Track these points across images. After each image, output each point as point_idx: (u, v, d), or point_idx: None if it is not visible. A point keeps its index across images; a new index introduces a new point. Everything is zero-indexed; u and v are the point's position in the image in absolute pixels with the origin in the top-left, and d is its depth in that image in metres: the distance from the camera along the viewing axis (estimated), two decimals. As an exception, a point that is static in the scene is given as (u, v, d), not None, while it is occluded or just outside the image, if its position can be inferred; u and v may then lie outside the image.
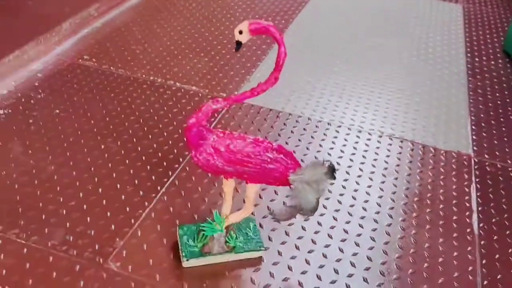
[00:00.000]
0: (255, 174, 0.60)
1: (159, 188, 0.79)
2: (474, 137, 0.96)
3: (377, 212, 0.77)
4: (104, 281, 0.64)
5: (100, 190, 0.77)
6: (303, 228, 0.73)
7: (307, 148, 0.89)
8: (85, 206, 0.75)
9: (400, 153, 0.90)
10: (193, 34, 1.24)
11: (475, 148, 0.93)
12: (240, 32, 0.56)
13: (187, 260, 0.66)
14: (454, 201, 0.81)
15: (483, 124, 1.00)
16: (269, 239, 0.71)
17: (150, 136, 0.89)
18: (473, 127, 0.99)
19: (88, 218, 0.73)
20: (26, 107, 0.95)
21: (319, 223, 0.74)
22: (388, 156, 0.89)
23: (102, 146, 0.86)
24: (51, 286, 0.63)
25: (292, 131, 0.93)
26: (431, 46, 1.27)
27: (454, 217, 0.78)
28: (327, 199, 0.79)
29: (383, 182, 0.83)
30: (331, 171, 0.58)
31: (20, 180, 0.78)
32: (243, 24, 0.56)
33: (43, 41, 1.09)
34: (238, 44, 0.57)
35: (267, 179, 0.60)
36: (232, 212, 0.66)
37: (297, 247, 0.71)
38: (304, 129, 0.94)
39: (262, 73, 1.10)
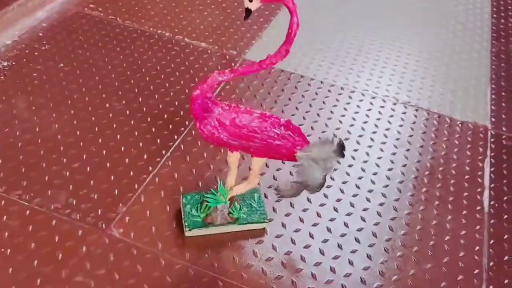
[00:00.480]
0: (261, 149, 0.58)
1: (163, 152, 0.77)
2: (492, 107, 0.92)
3: (386, 186, 0.75)
4: (107, 247, 0.64)
5: (104, 152, 0.76)
6: (309, 200, 0.72)
7: (318, 115, 0.86)
8: (88, 169, 0.74)
9: (414, 122, 0.87)
10: (205, -16, 1.18)
11: (493, 119, 0.89)
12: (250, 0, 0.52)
13: (189, 230, 0.65)
14: (466, 176, 0.78)
15: (503, 94, 0.95)
16: (274, 210, 0.70)
17: (156, 96, 0.87)
18: (493, 95, 0.94)
19: (92, 182, 0.72)
20: (30, 59, 0.92)
21: (325, 195, 0.73)
22: (401, 125, 0.86)
23: (107, 105, 0.84)
24: (54, 250, 0.63)
25: (303, 95, 0.90)
26: (454, 4, 1.20)
27: (465, 193, 0.76)
28: (335, 170, 0.76)
29: (394, 154, 0.81)
30: (340, 149, 0.56)
31: (23, 138, 0.77)
32: None
33: (47, -12, 1.05)
34: (248, 11, 0.54)
35: (273, 154, 0.58)
36: (237, 182, 0.65)
37: (301, 220, 0.70)
38: (316, 93, 0.91)
39: (275, 30, 1.05)
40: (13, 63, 0.90)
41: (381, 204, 0.73)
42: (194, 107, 0.58)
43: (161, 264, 0.63)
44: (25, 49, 0.94)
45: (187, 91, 0.88)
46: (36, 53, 0.93)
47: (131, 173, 0.73)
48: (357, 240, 0.68)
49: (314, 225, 0.69)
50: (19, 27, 0.98)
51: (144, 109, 0.84)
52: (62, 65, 0.91)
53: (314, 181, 0.57)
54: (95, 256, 0.63)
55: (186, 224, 0.65)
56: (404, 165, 0.79)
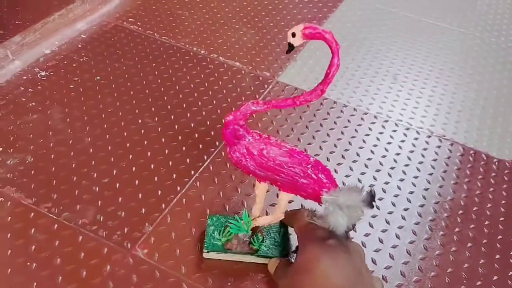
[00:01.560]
0: (287, 184, 0.57)
1: (192, 172, 0.77)
2: (532, 145, 0.89)
3: (417, 223, 0.73)
4: (130, 268, 0.64)
5: (133, 168, 0.76)
6: (336, 233, 0.71)
7: (350, 143, 0.85)
8: (117, 185, 0.74)
9: (448, 157, 0.84)
10: (242, 1, 1.19)
11: (531, 159, 0.86)
12: (293, 35, 0.52)
13: (207, 251, 0.65)
14: (501, 218, 0.76)
15: (544, 132, 0.92)
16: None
17: (188, 114, 0.87)
18: (532, 133, 0.91)
19: (120, 199, 0.72)
20: (68, 70, 0.93)
21: (354, 229, 0.71)
22: (435, 160, 0.84)
23: (139, 121, 0.84)
24: (78, 268, 0.63)
25: (335, 122, 0.89)
26: (496, 29, 1.17)
27: (499, 236, 0.73)
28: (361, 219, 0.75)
29: (426, 189, 0.78)
30: (370, 199, 0.53)
31: (56, 150, 0.78)
32: (297, 27, 0.51)
33: (89, 0, 1.07)
34: (290, 46, 0.53)
35: (299, 191, 0.57)
36: (264, 213, 0.64)
37: (328, 253, 0.68)
38: (348, 120, 0.90)
39: (310, 53, 1.04)
40: (51, 73, 0.92)
41: (411, 242, 0.71)
42: (226, 132, 0.58)
43: (183, 289, 0.62)
44: (63, 59, 0.95)
45: (219, 111, 0.88)
46: (74, 64, 0.95)
47: (159, 192, 0.73)
48: (384, 278, 0.66)
49: (341, 259, 0.68)
50: (59, 37, 1.00)
51: (176, 127, 0.84)
52: (99, 77, 0.92)
53: (337, 227, 0.53)
54: (118, 276, 0.63)
55: (205, 245, 0.65)
56: (437, 202, 0.77)
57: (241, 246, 0.64)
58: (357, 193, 0.53)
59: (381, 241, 0.70)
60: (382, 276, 0.66)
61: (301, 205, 0.71)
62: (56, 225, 0.68)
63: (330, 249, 0.52)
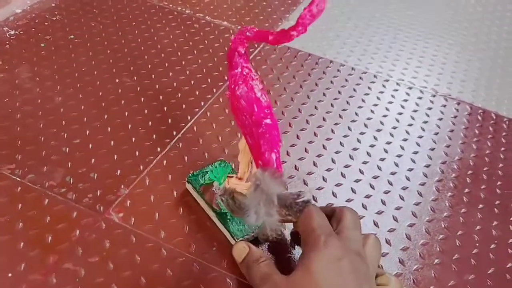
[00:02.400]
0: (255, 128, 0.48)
1: (174, 133, 0.69)
2: (544, 105, 0.82)
3: (422, 184, 0.66)
4: (103, 233, 0.56)
5: (109, 129, 0.69)
6: (334, 195, 0.63)
7: (347, 103, 0.78)
8: (90, 146, 0.66)
9: (455, 116, 0.77)
10: (231, -37, 1.11)
11: (544, 118, 0.79)
12: None
13: (187, 182, 0.59)
14: (514, 179, 0.69)
15: (556, 92, 0.85)
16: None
17: (170, 73, 0.79)
18: (544, 94, 0.84)
19: (93, 160, 0.65)
20: (39, 29, 0.85)
21: (353, 190, 0.64)
22: (440, 119, 0.77)
23: (117, 80, 0.77)
24: (43, 232, 0.56)
25: (331, 81, 0.82)
26: (501, -3, 1.10)
27: (513, 198, 0.66)
28: (365, 163, 0.68)
29: (432, 149, 0.71)
30: (297, 208, 0.45)
31: (23, 110, 0.70)
32: None
33: (63, -42, 0.99)
34: None
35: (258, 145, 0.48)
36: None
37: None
38: (346, 80, 0.82)
39: (303, 12, 0.96)
40: (21, 32, 0.84)
41: (417, 204, 0.64)
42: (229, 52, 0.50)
43: (162, 256, 0.55)
44: (35, 18, 0.88)
45: (204, 70, 0.81)
46: (46, 23, 0.87)
47: (137, 153, 0.66)
48: (388, 242, 0.59)
49: (339, 222, 0.60)
50: (30, -4, 0.92)
51: (157, 86, 0.77)
52: (72, 36, 0.84)
53: (248, 218, 0.45)
54: (89, 241, 0.56)
55: (189, 175, 0.59)
56: (444, 162, 0.70)
57: (209, 196, 0.57)
58: (291, 195, 0.45)
59: (383, 203, 0.63)
60: (386, 239, 0.59)
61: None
62: (19, 188, 0.60)
63: (342, 275, 0.42)
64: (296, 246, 0.56)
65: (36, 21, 0.87)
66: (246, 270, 0.48)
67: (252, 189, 0.45)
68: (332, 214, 0.50)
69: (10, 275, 0.52)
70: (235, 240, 0.54)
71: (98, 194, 0.60)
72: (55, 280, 0.52)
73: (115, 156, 0.65)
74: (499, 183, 0.68)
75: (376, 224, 0.61)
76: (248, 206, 0.45)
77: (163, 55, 0.83)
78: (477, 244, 0.60)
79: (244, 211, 0.46)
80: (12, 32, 0.84)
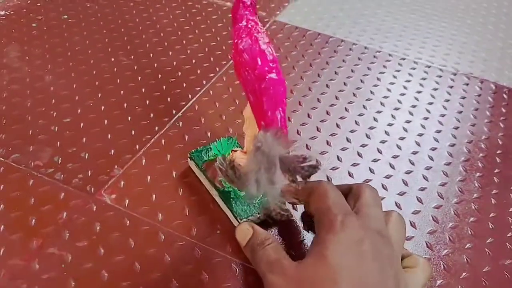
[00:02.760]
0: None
1: (174, 111, 0.63)
2: None
3: (448, 164, 0.60)
4: (93, 215, 0.50)
5: (102, 107, 0.63)
6: (350, 174, 0.57)
7: (361, 81, 0.72)
8: (81, 124, 0.61)
9: (479, 95, 0.71)
10: None
11: None
12: None
13: (189, 158, 0.54)
14: (547, 159, 0.62)
15: None
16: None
17: (170, 53, 0.74)
18: None
19: (84, 139, 0.59)
20: (31, 10, 0.80)
21: (371, 170, 0.58)
22: (463, 97, 0.70)
23: (112, 59, 0.71)
24: (26, 215, 0.50)
25: (344, 60, 0.76)
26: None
27: (547, 179, 0.60)
28: (383, 142, 0.62)
29: (456, 128, 0.65)
30: (306, 173, 0.40)
31: (10, 88, 0.65)
32: None
33: None
34: None
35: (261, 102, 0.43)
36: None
37: (341, 197, 0.55)
38: (359, 58, 0.76)
39: (311, -7, 0.91)
40: (12, 12, 0.79)
41: (443, 185, 0.57)
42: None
43: (159, 240, 0.49)
44: (27, -1, 0.83)
45: (206, 49, 0.75)
46: (38, 4, 0.82)
47: (133, 132, 0.60)
48: (413, 225, 0.52)
49: (357, 203, 0.54)
50: (23, -23, 0.87)
51: (155, 65, 0.71)
52: (66, 16, 0.79)
53: (248, 188, 0.39)
54: (77, 224, 0.49)
55: (192, 151, 0.54)
56: (470, 142, 0.63)
57: (212, 173, 0.51)
58: (296, 157, 0.39)
59: (405, 183, 0.57)
60: (410, 222, 0.52)
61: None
62: (2, 168, 0.54)
63: (363, 260, 0.36)
64: (309, 231, 0.50)
65: (28, 1, 0.82)
66: (251, 254, 0.42)
67: (253, 152, 0.38)
68: (348, 192, 0.43)
69: (-13, 260, 0.46)
70: (238, 222, 0.48)
71: (89, 174, 0.54)
72: (38, 265, 0.46)
73: (109, 136, 0.59)
74: (531, 163, 0.61)
75: (398, 206, 0.54)
76: (249, 173, 0.39)
77: (162, 34, 0.77)
78: (491, 233, 0.53)
79: (245, 181, 0.39)
80: (2, 13, 0.79)
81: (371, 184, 0.45)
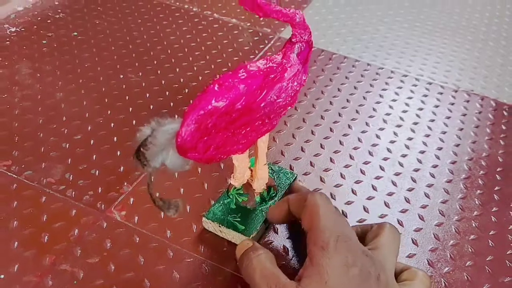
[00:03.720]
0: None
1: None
2: None
3: (449, 181, 0.61)
4: (104, 232, 0.52)
5: (112, 124, 0.65)
6: (353, 192, 0.59)
7: (364, 98, 0.73)
8: (92, 141, 0.62)
9: (480, 112, 0.73)
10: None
11: None
12: None
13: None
14: (546, 176, 0.64)
15: None
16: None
17: (177, 69, 0.76)
18: None
19: (94, 156, 0.60)
20: (42, 26, 0.82)
21: (373, 188, 0.59)
22: (464, 115, 0.72)
23: (121, 76, 0.73)
24: (39, 231, 0.51)
25: (346, 77, 0.77)
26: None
27: (546, 196, 0.61)
28: (386, 159, 0.63)
29: (457, 145, 0.67)
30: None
31: (22, 106, 0.67)
32: None
33: (68, -43, 0.96)
34: None
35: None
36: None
37: (344, 214, 0.56)
38: (361, 75, 0.78)
39: (315, 10, 0.93)
40: (22, 29, 0.81)
41: (444, 202, 0.59)
42: None
43: (168, 256, 0.50)
44: (37, 16, 0.85)
45: (212, 66, 0.77)
46: (49, 21, 0.84)
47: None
48: (415, 242, 0.54)
49: (360, 220, 0.56)
50: (33, -6, 0.89)
51: (163, 82, 0.73)
52: (76, 33, 0.81)
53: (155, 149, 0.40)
54: (88, 241, 0.51)
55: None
56: (470, 159, 0.65)
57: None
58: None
59: (407, 200, 0.58)
60: (412, 239, 0.54)
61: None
62: (15, 185, 0.56)
63: (353, 284, 0.37)
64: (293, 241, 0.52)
65: (38, 18, 0.84)
66: (245, 262, 0.42)
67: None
68: (370, 227, 0.45)
69: (2, 276, 0.47)
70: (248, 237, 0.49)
71: (100, 191, 0.56)
72: (51, 282, 0.47)
73: (118, 152, 0.61)
74: (530, 180, 0.63)
75: (400, 223, 0.56)
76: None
77: (169, 51, 0.79)
78: (512, 245, 0.54)
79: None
80: (13, 29, 0.81)
81: (373, 202, 0.46)
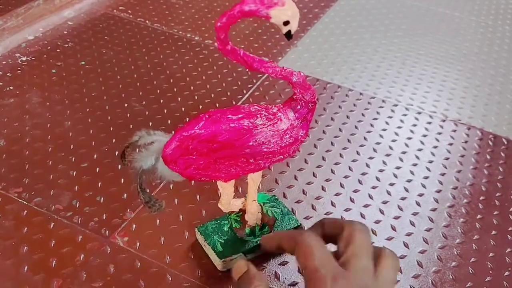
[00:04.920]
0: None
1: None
2: (556, 131, 0.81)
3: (434, 209, 0.65)
4: (107, 257, 0.56)
5: (116, 153, 0.69)
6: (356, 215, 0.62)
7: (356, 127, 0.77)
8: (97, 169, 0.66)
9: (466, 142, 0.76)
10: (240, -8, 1.13)
11: (557, 144, 0.78)
12: (286, 23, 0.43)
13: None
14: (528, 205, 0.67)
15: None
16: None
17: (179, 99, 0.80)
18: (556, 119, 0.83)
19: (99, 183, 0.64)
20: (51, 55, 0.87)
21: (362, 215, 0.63)
22: (451, 144, 0.76)
23: (126, 105, 0.77)
24: (47, 256, 0.55)
25: (340, 106, 0.81)
26: (509, 17, 1.10)
27: (527, 224, 0.64)
28: (374, 188, 0.67)
29: (443, 174, 0.70)
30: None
31: (32, 134, 0.71)
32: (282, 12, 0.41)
33: (77, -13, 1.01)
34: (288, 34, 0.44)
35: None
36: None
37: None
38: (354, 104, 0.82)
39: (311, 39, 0.97)
40: (33, 58, 0.86)
41: (428, 230, 0.62)
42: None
43: (167, 281, 0.54)
44: (47, 45, 0.89)
45: (212, 95, 0.81)
46: (58, 50, 0.88)
47: (144, 177, 0.66)
48: (399, 269, 0.57)
49: (348, 248, 0.59)
50: (43, 23, 0.94)
51: (165, 111, 0.77)
52: (83, 62, 0.86)
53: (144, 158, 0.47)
54: (93, 266, 0.55)
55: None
56: (455, 188, 0.68)
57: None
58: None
59: (393, 228, 0.62)
60: (396, 266, 0.57)
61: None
62: (25, 211, 0.60)
63: None
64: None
65: (48, 47, 0.89)
66: None
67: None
68: (340, 231, 0.47)
69: (13, 299, 0.51)
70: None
71: (104, 218, 0.60)
72: (58, 305, 0.51)
73: (122, 180, 0.65)
74: (511, 209, 0.66)
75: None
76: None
77: (172, 80, 0.84)
78: (491, 272, 0.58)
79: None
80: (24, 58, 0.85)
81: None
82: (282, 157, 0.47)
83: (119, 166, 0.67)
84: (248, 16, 0.41)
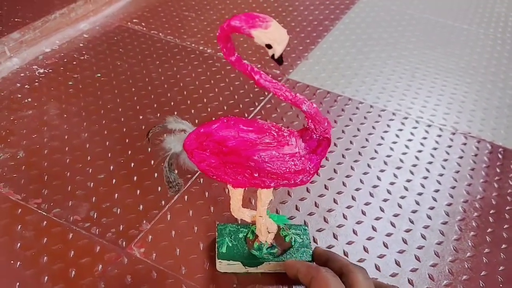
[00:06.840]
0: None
1: (196, 168, 0.70)
2: None
3: (444, 223, 0.66)
4: (125, 268, 0.57)
5: (132, 164, 0.71)
6: (354, 232, 0.63)
7: (367, 140, 0.78)
8: (114, 181, 0.68)
9: (476, 155, 0.77)
10: (250, 4, 1.15)
11: None
12: (269, 47, 0.42)
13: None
14: (538, 219, 0.68)
15: None
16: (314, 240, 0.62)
17: (192, 111, 0.81)
18: None
19: (116, 195, 0.66)
20: (68, 68, 0.89)
21: (373, 228, 0.64)
22: (461, 157, 0.77)
23: (140, 117, 0.79)
24: (67, 267, 0.56)
25: (350, 119, 0.83)
26: (518, 36, 1.11)
27: (537, 238, 0.65)
28: (386, 201, 0.68)
29: (453, 188, 0.71)
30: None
31: (50, 145, 0.73)
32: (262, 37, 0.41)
33: (92, 0, 1.03)
34: (279, 60, 0.43)
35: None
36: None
37: (345, 253, 0.61)
38: (364, 117, 0.83)
39: (321, 51, 0.99)
40: (50, 70, 0.88)
41: (439, 243, 0.63)
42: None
43: (183, 292, 0.55)
44: (63, 57, 0.91)
45: (225, 107, 0.83)
46: (74, 62, 0.90)
47: (159, 188, 0.67)
48: (410, 282, 0.58)
49: (360, 260, 0.60)
50: (60, 36, 0.96)
51: (179, 123, 0.78)
52: (99, 75, 0.88)
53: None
54: (111, 276, 0.56)
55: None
56: (465, 201, 0.69)
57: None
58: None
59: (405, 241, 0.63)
60: (408, 279, 0.58)
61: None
62: (45, 222, 0.61)
63: None
64: None
65: (65, 60, 0.91)
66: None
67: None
68: (341, 272, 0.48)
69: (33, 309, 0.52)
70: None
71: (121, 229, 0.61)
72: (77, 315, 0.52)
73: (138, 191, 0.67)
74: (522, 222, 0.67)
75: (398, 264, 0.60)
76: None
77: (185, 92, 0.85)
78: (501, 285, 0.59)
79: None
80: (41, 71, 0.87)
81: (373, 243, 0.50)
82: (287, 182, 0.48)
83: (135, 178, 0.68)
84: (235, 31, 0.42)
